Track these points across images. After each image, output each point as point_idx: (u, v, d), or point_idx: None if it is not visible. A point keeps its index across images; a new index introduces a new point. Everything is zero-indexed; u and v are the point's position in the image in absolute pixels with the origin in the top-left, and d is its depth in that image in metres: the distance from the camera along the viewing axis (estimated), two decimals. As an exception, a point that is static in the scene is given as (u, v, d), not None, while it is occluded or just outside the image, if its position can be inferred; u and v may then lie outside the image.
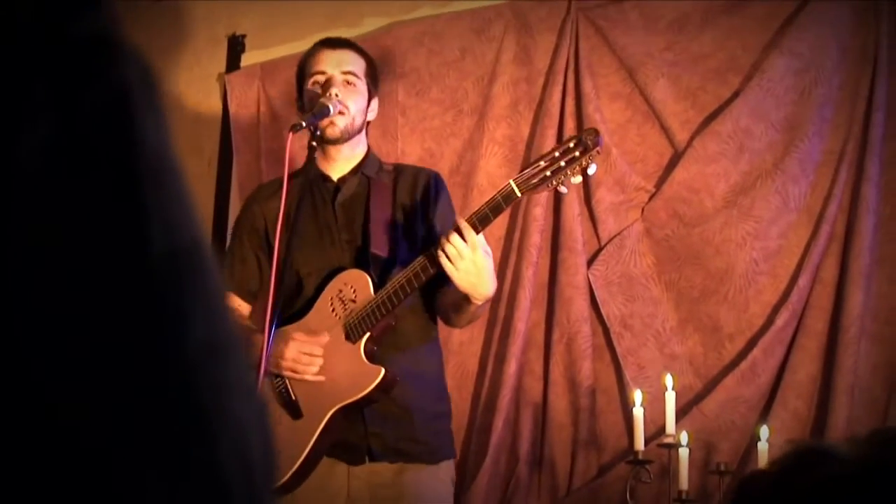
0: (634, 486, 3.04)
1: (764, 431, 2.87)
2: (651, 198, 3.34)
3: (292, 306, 2.71)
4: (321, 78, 2.74)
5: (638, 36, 3.39)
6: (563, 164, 2.38)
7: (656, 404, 3.07)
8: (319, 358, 2.58)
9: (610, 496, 3.19)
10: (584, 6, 3.48)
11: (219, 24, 4.15)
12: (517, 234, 3.43)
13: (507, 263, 3.43)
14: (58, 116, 0.41)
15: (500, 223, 3.48)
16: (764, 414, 3.10)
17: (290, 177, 2.58)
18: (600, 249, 3.37)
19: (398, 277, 2.49)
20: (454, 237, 2.38)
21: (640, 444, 2.96)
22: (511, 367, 3.32)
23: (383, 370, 2.52)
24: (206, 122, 4.09)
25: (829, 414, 3.01)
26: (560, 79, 3.43)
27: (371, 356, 2.55)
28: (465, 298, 2.47)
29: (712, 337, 3.22)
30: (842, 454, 0.90)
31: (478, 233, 2.41)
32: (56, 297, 0.40)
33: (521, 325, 3.34)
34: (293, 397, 2.62)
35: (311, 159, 2.60)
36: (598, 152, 2.37)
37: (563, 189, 2.44)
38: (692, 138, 3.29)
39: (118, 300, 0.42)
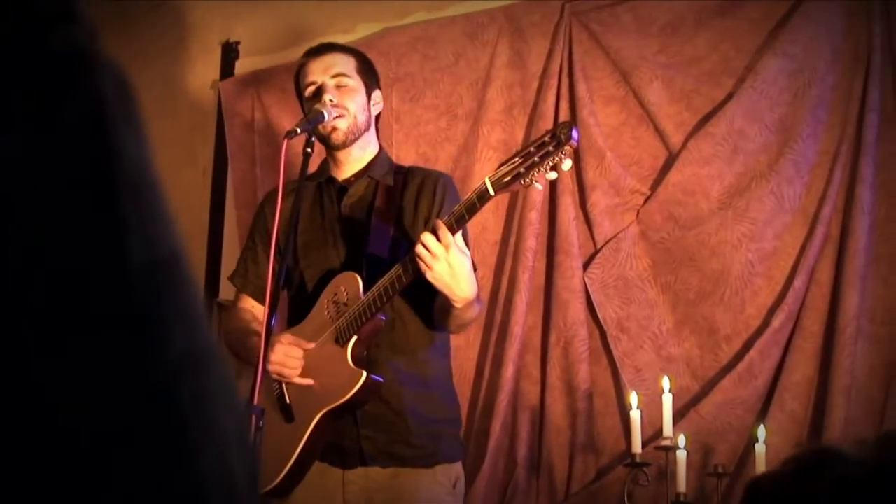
0: (632, 489, 3.04)
1: (761, 433, 2.87)
2: (646, 200, 3.34)
3: (298, 308, 2.72)
4: (313, 88, 2.74)
5: (631, 39, 3.39)
6: (536, 159, 2.31)
7: (653, 407, 3.07)
8: (300, 360, 2.57)
9: (608, 499, 3.19)
10: (578, 10, 3.48)
11: (212, 30, 4.15)
12: (513, 239, 3.43)
13: (503, 268, 3.43)
14: (34, 129, 0.41)
15: (496, 228, 3.49)
16: (761, 415, 3.10)
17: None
18: (596, 253, 3.37)
19: (382, 280, 2.48)
20: (427, 237, 2.36)
21: (637, 446, 2.96)
22: (508, 371, 3.32)
23: (364, 374, 2.50)
24: (201, 130, 4.09)
25: (826, 415, 3.01)
26: (554, 83, 3.44)
27: (357, 360, 2.54)
28: (448, 301, 2.45)
29: (709, 339, 3.22)
30: (851, 457, 0.90)
31: (454, 233, 2.37)
32: (34, 309, 0.40)
33: (517, 328, 3.34)
34: (287, 401, 2.63)
35: (306, 166, 2.59)
36: (571, 146, 2.28)
37: (537, 185, 2.36)
38: (686, 140, 3.30)
39: (97, 312, 0.42)
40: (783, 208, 3.18)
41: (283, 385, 2.63)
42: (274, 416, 2.62)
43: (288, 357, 2.57)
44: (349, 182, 2.76)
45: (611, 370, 3.33)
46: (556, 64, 3.45)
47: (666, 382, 2.97)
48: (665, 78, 3.34)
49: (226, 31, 4.12)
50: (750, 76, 3.24)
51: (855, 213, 3.07)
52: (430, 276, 2.37)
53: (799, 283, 3.12)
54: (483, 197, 2.36)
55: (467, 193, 3.41)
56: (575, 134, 2.27)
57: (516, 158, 2.34)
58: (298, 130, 2.56)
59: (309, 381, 2.58)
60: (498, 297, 3.41)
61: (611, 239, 3.35)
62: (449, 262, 2.36)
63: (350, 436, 2.59)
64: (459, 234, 2.40)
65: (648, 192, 3.35)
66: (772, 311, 3.15)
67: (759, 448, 2.85)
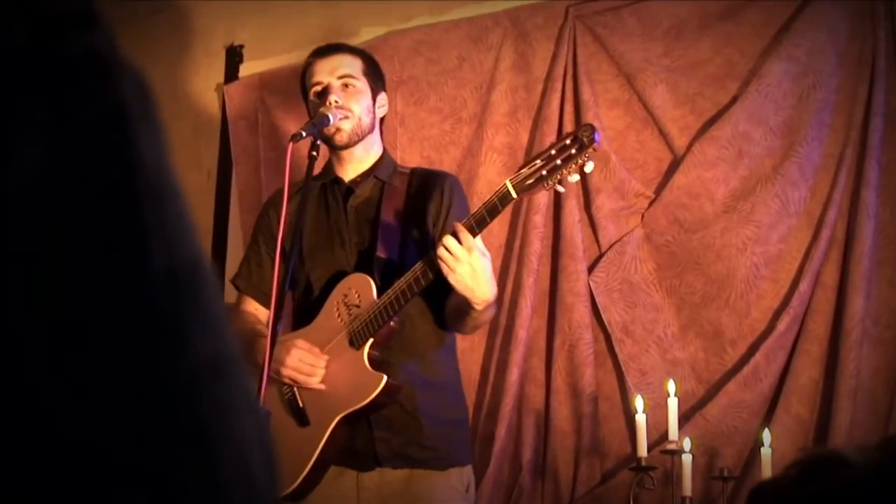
0: (638, 493, 3.03)
1: (767, 436, 2.87)
2: (651, 204, 3.34)
3: (304, 310, 2.71)
4: (318, 88, 2.73)
5: (636, 42, 3.39)
6: (559, 162, 2.31)
7: (659, 410, 3.07)
8: (321, 368, 2.57)
9: (613, 503, 3.19)
10: (582, 13, 3.48)
11: (216, 34, 4.15)
12: (517, 242, 3.43)
13: (507, 271, 3.43)
14: (54, 135, 0.41)
15: (500, 231, 3.49)
16: (766, 419, 3.09)
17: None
18: (601, 256, 3.36)
19: (399, 282, 2.48)
20: (449, 240, 2.36)
21: (642, 450, 2.96)
22: (513, 375, 3.32)
23: (385, 378, 2.50)
24: (205, 133, 4.09)
25: (832, 418, 3.00)
26: (558, 86, 3.43)
27: (374, 362, 2.53)
28: (467, 303, 2.45)
29: (714, 342, 3.22)
30: (855, 461, 0.89)
31: (475, 236, 2.38)
32: (57, 317, 0.40)
33: (522, 332, 3.34)
34: (300, 405, 2.62)
35: (311, 169, 2.59)
36: (594, 149, 2.29)
37: (560, 188, 2.37)
38: (691, 144, 3.29)
39: (118, 318, 0.42)
40: (788, 212, 3.18)
41: (296, 389, 2.62)
42: (286, 420, 2.62)
43: (303, 363, 2.56)
44: (355, 183, 2.76)
45: (616, 374, 3.32)
46: (561, 67, 3.45)
47: (671, 386, 2.97)
48: (669, 81, 3.34)
49: (230, 34, 4.12)
50: (754, 80, 3.24)
51: (860, 217, 3.07)
52: (452, 278, 2.37)
53: (804, 286, 3.11)
54: (505, 199, 2.37)
55: (471, 197, 3.45)
56: (597, 136, 2.29)
57: (537, 161, 2.34)
58: (304, 134, 2.56)
59: (322, 386, 2.58)
60: (503, 301, 3.40)
61: (615, 242, 3.35)
62: (471, 265, 2.36)
63: (363, 437, 2.59)
64: (479, 237, 2.41)
65: (653, 196, 3.35)
66: (777, 315, 3.15)
67: (765, 451, 2.84)
